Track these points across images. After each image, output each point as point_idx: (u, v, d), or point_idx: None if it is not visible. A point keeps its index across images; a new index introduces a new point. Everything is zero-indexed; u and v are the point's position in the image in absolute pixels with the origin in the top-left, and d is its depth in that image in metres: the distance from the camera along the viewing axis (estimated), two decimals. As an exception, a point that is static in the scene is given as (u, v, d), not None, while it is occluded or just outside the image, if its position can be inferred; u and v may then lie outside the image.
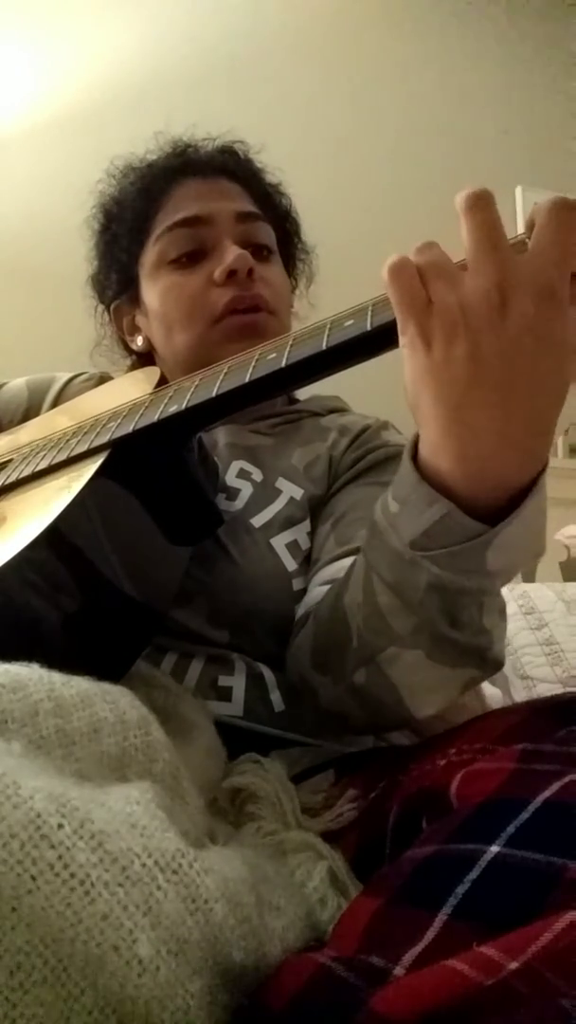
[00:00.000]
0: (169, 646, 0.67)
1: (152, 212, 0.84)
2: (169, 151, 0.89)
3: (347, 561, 0.62)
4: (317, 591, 0.66)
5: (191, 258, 0.80)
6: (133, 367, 0.93)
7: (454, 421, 0.44)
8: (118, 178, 0.91)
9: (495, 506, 0.46)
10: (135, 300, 0.87)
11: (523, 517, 0.46)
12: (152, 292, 0.83)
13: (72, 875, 0.26)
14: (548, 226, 0.41)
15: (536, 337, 0.42)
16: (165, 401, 0.57)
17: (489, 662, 0.53)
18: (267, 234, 0.85)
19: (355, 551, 0.61)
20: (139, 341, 0.88)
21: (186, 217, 0.81)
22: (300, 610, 0.68)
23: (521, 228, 0.45)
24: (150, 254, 0.83)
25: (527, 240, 0.43)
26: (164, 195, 0.84)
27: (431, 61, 2.45)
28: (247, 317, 0.78)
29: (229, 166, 0.87)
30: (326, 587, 0.64)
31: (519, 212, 2.26)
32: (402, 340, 0.45)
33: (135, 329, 0.89)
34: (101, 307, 0.94)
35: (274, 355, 0.52)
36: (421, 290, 0.44)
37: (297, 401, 0.91)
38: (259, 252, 0.82)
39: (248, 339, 0.75)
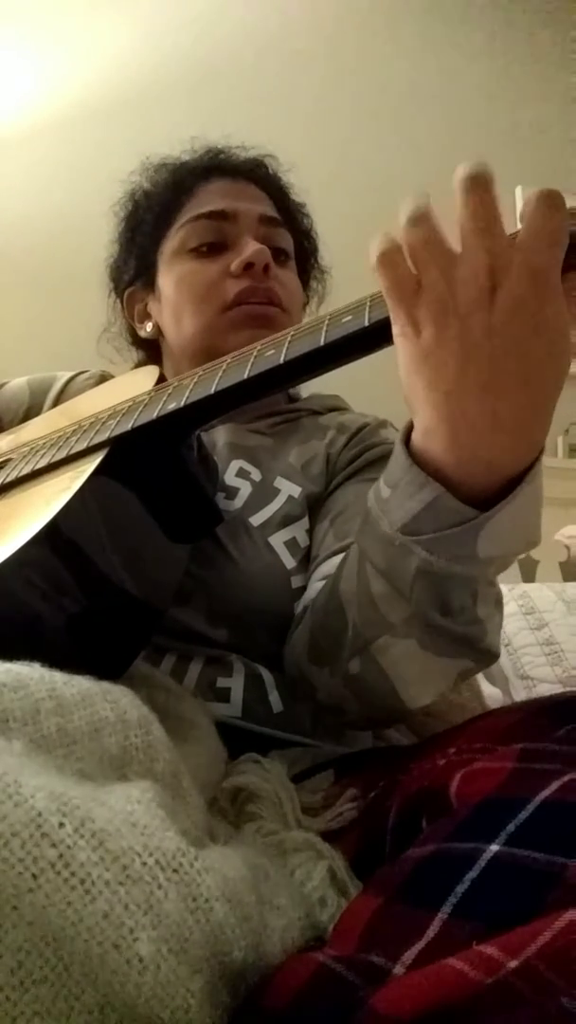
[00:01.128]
0: (168, 647, 0.67)
1: (179, 203, 0.85)
2: (203, 152, 0.91)
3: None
4: (315, 587, 0.66)
5: (211, 249, 0.82)
6: (139, 363, 0.94)
7: (446, 405, 0.44)
8: (150, 171, 0.93)
9: (488, 492, 0.46)
10: (150, 286, 0.89)
11: (516, 504, 0.45)
12: (168, 278, 0.85)
13: (73, 874, 0.27)
14: (536, 213, 0.42)
15: (527, 321, 0.42)
16: (164, 399, 0.57)
17: (483, 653, 0.53)
18: (287, 241, 0.87)
19: (353, 546, 0.61)
20: (148, 327, 0.90)
21: (212, 210, 0.83)
22: (299, 607, 0.68)
23: (519, 223, 0.45)
24: (171, 241, 0.85)
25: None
26: (193, 189, 0.86)
27: (431, 61, 2.45)
28: (258, 307, 0.79)
29: (258, 174, 0.89)
30: (323, 583, 0.64)
31: (519, 212, 2.26)
32: (394, 328, 0.46)
33: (146, 316, 0.90)
34: (114, 295, 0.95)
35: (272, 351, 0.53)
36: (410, 275, 0.44)
37: (296, 400, 0.92)
38: (277, 255, 0.84)
39: (256, 329, 0.76)
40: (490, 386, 0.43)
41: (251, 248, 0.79)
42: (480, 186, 0.42)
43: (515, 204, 2.30)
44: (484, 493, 0.46)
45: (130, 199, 0.93)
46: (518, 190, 2.31)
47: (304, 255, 0.94)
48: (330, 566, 0.67)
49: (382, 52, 2.41)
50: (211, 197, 0.84)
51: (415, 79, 2.42)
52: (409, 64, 2.42)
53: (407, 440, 0.49)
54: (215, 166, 0.88)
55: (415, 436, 0.48)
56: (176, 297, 0.83)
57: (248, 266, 0.79)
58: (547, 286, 0.42)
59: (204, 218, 0.83)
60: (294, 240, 0.89)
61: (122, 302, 0.93)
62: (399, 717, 0.65)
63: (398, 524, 0.49)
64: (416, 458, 0.48)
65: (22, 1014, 0.25)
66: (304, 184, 0.95)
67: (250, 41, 2.22)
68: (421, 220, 0.44)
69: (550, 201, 0.42)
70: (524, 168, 2.34)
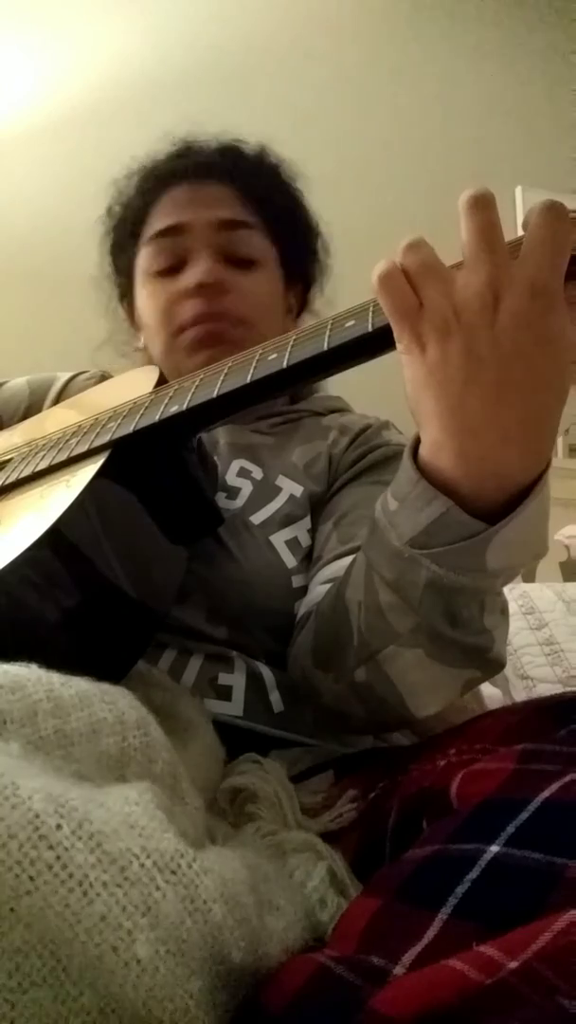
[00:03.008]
0: (168, 642, 0.67)
1: (144, 217, 0.86)
2: (171, 151, 0.90)
3: (349, 560, 0.62)
4: (319, 590, 0.66)
5: (170, 271, 0.82)
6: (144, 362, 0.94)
7: (453, 420, 0.45)
8: (127, 178, 0.92)
9: (497, 505, 0.46)
10: (134, 304, 0.90)
11: (524, 516, 0.46)
12: (139, 298, 0.87)
13: (71, 875, 0.26)
14: (539, 225, 0.42)
15: (530, 333, 0.42)
16: (166, 401, 0.57)
17: (490, 663, 0.53)
18: (250, 243, 0.83)
19: (357, 550, 0.61)
20: (141, 340, 0.91)
21: (165, 227, 0.83)
22: (302, 609, 0.68)
23: (520, 229, 0.45)
24: (140, 260, 0.86)
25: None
26: (156, 201, 0.85)
27: (431, 62, 2.45)
28: (204, 327, 0.79)
29: (224, 166, 0.85)
30: (328, 586, 0.64)
31: (519, 212, 2.26)
32: (399, 346, 0.46)
33: (138, 328, 0.91)
34: (114, 302, 0.96)
35: (275, 355, 0.52)
36: (411, 295, 0.44)
37: (298, 400, 0.92)
38: (239, 263, 0.82)
39: (209, 349, 0.77)
40: (496, 399, 0.43)
41: (198, 269, 0.79)
42: (483, 207, 0.43)
43: (515, 204, 2.30)
44: (492, 505, 0.46)
45: (108, 212, 0.93)
46: (518, 190, 2.31)
47: (289, 238, 0.88)
48: (334, 569, 0.67)
49: (382, 52, 2.41)
50: (168, 208, 0.83)
51: (416, 79, 2.42)
52: (410, 65, 2.43)
53: (415, 453, 0.49)
54: (177, 169, 0.86)
55: (423, 450, 0.48)
56: (144, 320, 0.86)
57: (200, 287, 0.79)
58: (550, 297, 0.42)
59: (160, 236, 0.82)
60: (274, 228, 0.85)
61: (124, 311, 0.94)
62: (405, 725, 0.65)
63: (407, 537, 0.48)
64: (424, 471, 0.48)
65: (20, 1016, 0.25)
66: (304, 183, 0.94)
67: (251, 41, 2.22)
68: (416, 247, 0.45)
69: (554, 213, 0.42)
70: (524, 168, 2.34)
